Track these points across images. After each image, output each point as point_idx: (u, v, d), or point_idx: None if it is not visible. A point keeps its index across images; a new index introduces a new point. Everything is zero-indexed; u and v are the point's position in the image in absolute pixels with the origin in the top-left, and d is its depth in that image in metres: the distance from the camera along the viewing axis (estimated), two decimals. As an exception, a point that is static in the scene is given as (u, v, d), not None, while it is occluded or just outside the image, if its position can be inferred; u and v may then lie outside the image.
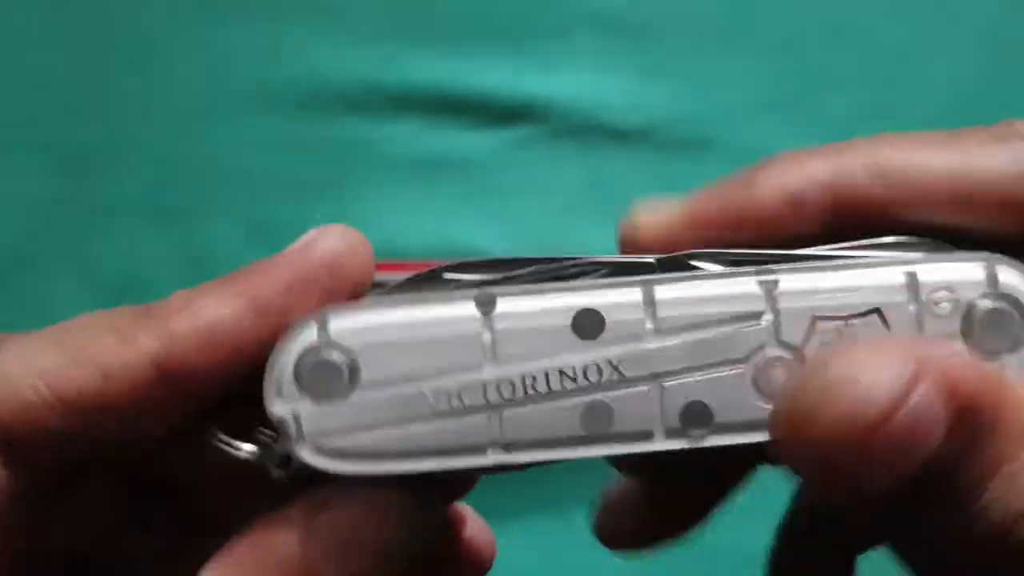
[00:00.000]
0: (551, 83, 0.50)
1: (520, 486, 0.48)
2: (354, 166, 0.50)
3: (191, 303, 0.21)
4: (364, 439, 0.21)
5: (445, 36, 0.50)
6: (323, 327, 0.21)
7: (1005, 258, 0.21)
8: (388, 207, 0.50)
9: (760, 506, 0.41)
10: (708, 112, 0.50)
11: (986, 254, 0.21)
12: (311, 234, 0.22)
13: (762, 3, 0.51)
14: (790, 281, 0.21)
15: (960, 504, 0.18)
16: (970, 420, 0.18)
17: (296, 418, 0.21)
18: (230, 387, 0.22)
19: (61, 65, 0.52)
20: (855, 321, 0.21)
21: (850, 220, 0.22)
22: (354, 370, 0.21)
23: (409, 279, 0.22)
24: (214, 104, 0.51)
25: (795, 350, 0.21)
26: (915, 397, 0.18)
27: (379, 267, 0.49)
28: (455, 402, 0.21)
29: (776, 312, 0.21)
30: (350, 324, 0.21)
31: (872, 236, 0.22)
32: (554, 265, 0.22)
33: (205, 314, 0.21)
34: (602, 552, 0.49)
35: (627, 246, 0.24)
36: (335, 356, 0.21)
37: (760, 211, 0.22)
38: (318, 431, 0.21)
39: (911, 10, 0.51)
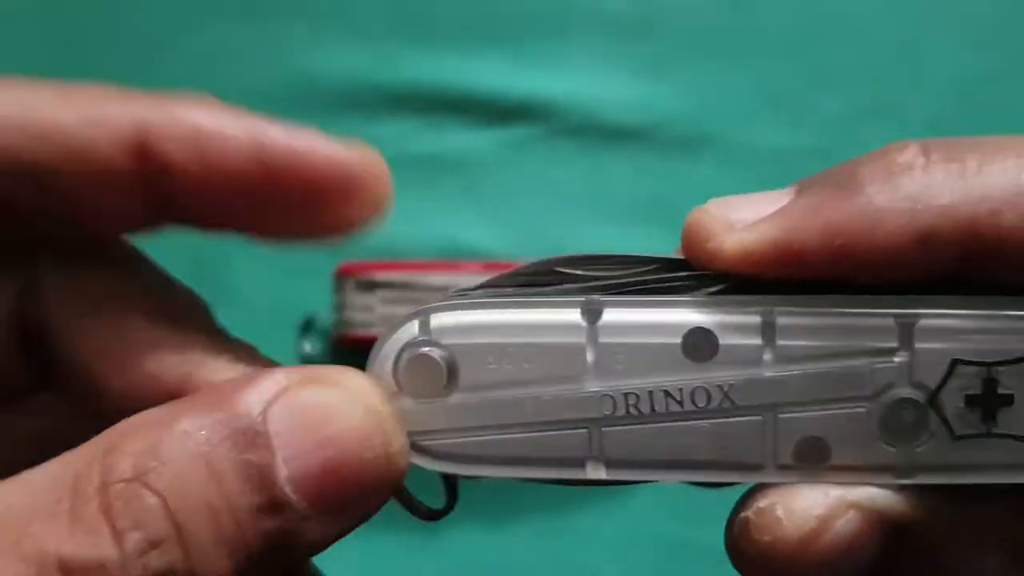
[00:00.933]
0: (550, 82, 0.50)
1: (520, 486, 0.48)
2: (353, 165, 0.50)
3: (200, 105, 0.21)
4: (462, 442, 0.20)
5: (444, 35, 0.50)
6: (424, 323, 0.20)
7: None
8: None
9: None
10: (707, 110, 0.49)
11: None
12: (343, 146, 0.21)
13: (761, 2, 0.51)
14: (930, 319, 0.19)
15: None
16: (904, 540, 0.19)
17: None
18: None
19: (58, 63, 0.51)
20: (1001, 369, 0.19)
21: (982, 265, 0.19)
22: (453, 370, 0.20)
23: (517, 271, 0.21)
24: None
25: (929, 393, 0.19)
26: (837, 526, 0.19)
27: (378, 267, 0.48)
28: (553, 414, 0.20)
29: (912, 351, 0.19)
30: (451, 322, 0.20)
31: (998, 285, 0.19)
32: (672, 275, 0.20)
33: (205, 118, 0.20)
34: (602, 552, 0.49)
35: (699, 261, 0.20)
36: (435, 353, 0.20)
37: (879, 249, 0.18)
38: (417, 429, 0.20)
39: (911, 8, 0.51)
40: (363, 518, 0.19)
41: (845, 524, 0.19)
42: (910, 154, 0.19)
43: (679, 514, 0.46)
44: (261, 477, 0.18)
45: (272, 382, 0.19)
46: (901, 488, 0.19)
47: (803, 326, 0.19)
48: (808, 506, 0.19)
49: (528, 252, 0.49)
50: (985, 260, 0.18)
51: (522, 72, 0.50)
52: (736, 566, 0.20)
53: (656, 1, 0.50)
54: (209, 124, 0.20)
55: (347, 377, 0.20)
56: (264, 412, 0.18)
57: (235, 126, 0.20)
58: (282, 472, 0.18)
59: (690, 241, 0.20)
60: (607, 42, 0.50)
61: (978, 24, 0.51)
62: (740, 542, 0.20)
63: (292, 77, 0.50)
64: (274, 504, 0.18)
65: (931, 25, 0.51)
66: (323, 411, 0.19)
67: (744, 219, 0.20)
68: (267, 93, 0.50)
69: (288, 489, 0.18)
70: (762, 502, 0.19)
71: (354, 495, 0.19)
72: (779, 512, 0.19)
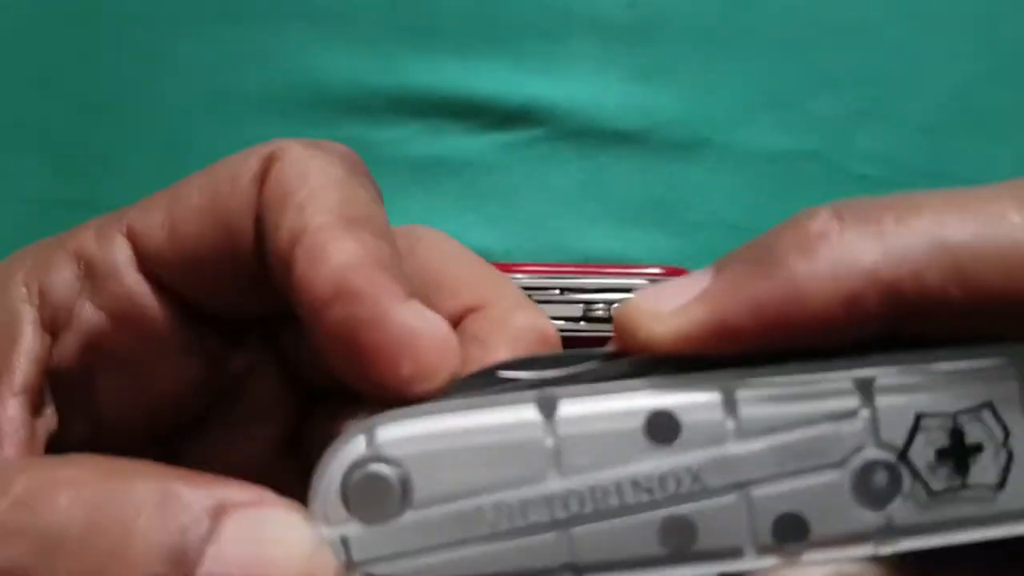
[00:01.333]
0: (550, 86, 0.50)
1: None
2: (354, 168, 0.50)
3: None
4: (420, 564, 0.19)
5: (444, 40, 0.51)
6: (370, 438, 0.19)
7: None
8: (388, 209, 0.50)
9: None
10: (706, 113, 0.50)
11: None
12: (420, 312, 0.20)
13: (758, 5, 0.51)
14: (887, 376, 0.19)
15: None
16: None
17: (344, 543, 0.19)
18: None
19: (62, 66, 0.52)
20: (965, 417, 0.19)
21: (908, 323, 0.18)
22: (406, 485, 0.19)
23: (462, 380, 0.20)
24: (215, 107, 0.51)
25: (899, 451, 0.19)
26: None
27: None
28: (518, 520, 0.19)
29: (874, 409, 0.19)
30: (399, 434, 0.19)
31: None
32: (620, 363, 0.20)
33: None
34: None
35: (630, 350, 0.20)
36: (385, 470, 0.19)
37: (807, 319, 0.18)
38: (369, 556, 0.19)
39: (908, 10, 0.51)
40: None
41: None
42: (822, 220, 0.19)
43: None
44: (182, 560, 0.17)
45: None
46: (880, 560, 0.19)
47: (763, 396, 0.19)
48: None
49: (528, 253, 0.49)
50: (913, 319, 0.18)
51: (521, 77, 0.50)
52: None
53: (653, 7, 0.51)
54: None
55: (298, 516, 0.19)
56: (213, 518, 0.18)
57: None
58: (203, 568, 0.17)
59: (623, 336, 0.20)
60: (605, 47, 0.51)
61: (975, 27, 0.51)
62: None
63: (293, 81, 0.51)
64: None
65: (928, 28, 0.51)
66: (267, 536, 0.18)
67: (671, 306, 0.19)
68: (268, 97, 0.50)
69: None
70: None
71: None
72: None
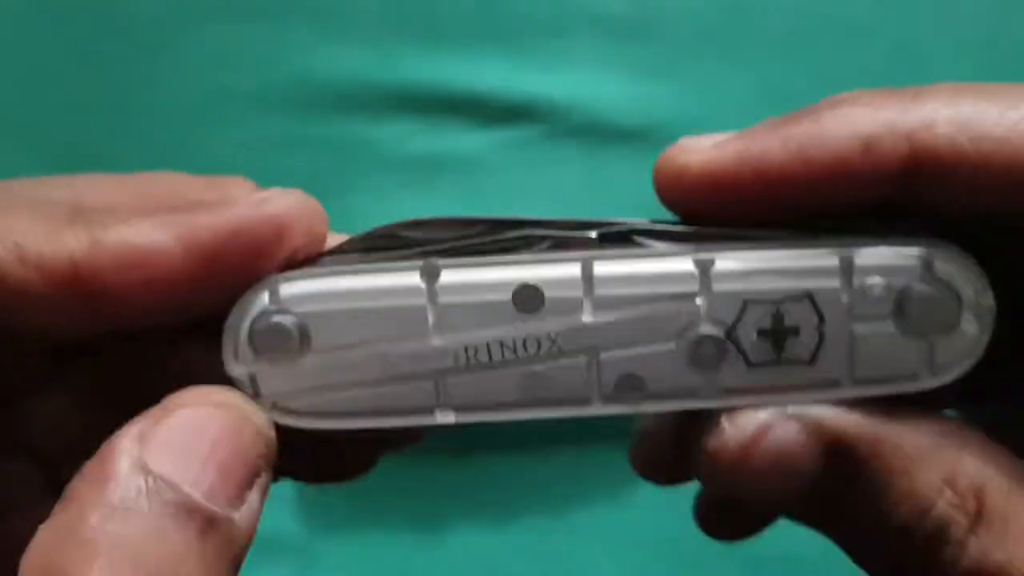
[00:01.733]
0: (550, 82, 0.50)
1: (520, 486, 0.48)
2: (353, 165, 0.50)
3: (125, 221, 0.21)
4: (319, 399, 0.22)
5: (444, 36, 0.50)
6: (274, 292, 0.22)
7: (943, 244, 0.22)
8: (387, 206, 0.50)
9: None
10: (708, 111, 0.50)
11: (924, 239, 0.22)
12: (265, 193, 0.23)
13: (761, 2, 0.51)
14: (725, 261, 0.22)
15: (859, 513, 0.22)
16: (846, 455, 0.21)
17: (253, 379, 0.22)
18: (173, 321, 0.22)
19: (60, 63, 0.52)
20: (787, 305, 0.22)
21: (923, 180, 0.21)
22: (304, 335, 0.22)
23: (364, 235, 0.23)
24: (213, 104, 0.51)
25: (727, 329, 0.22)
26: (777, 433, 0.21)
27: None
28: (402, 369, 0.22)
29: (709, 293, 0.22)
30: (300, 290, 0.22)
31: (884, 210, 0.22)
32: (501, 235, 0.23)
33: (133, 236, 0.21)
34: (602, 552, 0.49)
35: (669, 186, 0.23)
36: (286, 321, 0.22)
37: (829, 154, 0.21)
38: (276, 391, 0.22)
39: (910, 9, 0.51)
40: (267, 483, 0.21)
41: (785, 432, 0.21)
42: (856, 93, 0.22)
43: (680, 514, 0.46)
44: (187, 510, 0.19)
45: (129, 441, 0.20)
46: (707, 411, 0.22)
47: (618, 275, 0.22)
48: (749, 417, 0.22)
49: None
50: (923, 179, 0.21)
51: (522, 73, 0.50)
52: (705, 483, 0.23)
53: (655, 2, 0.51)
54: (139, 241, 0.21)
55: (186, 396, 0.21)
56: (141, 465, 0.20)
57: (164, 237, 0.21)
58: (196, 495, 0.20)
59: (661, 166, 0.23)
60: (607, 43, 0.50)
61: (978, 25, 0.51)
62: (695, 462, 0.22)
63: (292, 78, 0.50)
64: (211, 521, 0.19)
65: (931, 26, 0.51)
66: (188, 432, 0.20)
67: (712, 142, 0.23)
68: (267, 94, 0.50)
69: (209, 504, 0.20)
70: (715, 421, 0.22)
71: (253, 471, 0.21)
72: (724, 424, 0.22)
